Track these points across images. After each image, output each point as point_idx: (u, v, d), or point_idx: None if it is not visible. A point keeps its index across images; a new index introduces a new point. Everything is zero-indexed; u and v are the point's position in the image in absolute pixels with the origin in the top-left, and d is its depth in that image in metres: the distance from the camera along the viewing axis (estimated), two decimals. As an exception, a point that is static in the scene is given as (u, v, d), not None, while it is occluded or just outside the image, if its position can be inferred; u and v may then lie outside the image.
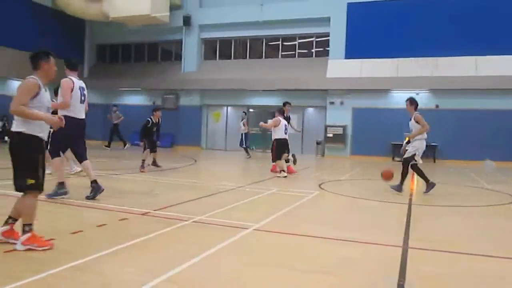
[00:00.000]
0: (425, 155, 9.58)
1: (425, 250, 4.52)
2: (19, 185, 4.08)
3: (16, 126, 4.04)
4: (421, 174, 8.75)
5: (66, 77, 6.59)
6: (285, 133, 11.57)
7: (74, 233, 4.56)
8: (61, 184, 6.64)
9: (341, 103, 20.75)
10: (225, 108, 23.74)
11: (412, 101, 8.94)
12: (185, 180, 9.82)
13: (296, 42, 22.51)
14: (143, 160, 11.30)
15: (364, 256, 4.31)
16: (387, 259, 4.21)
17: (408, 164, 8.71)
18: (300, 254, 4.26)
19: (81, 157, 6.80)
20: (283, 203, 7.23)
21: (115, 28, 24.20)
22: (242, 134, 18.43)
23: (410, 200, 8.08)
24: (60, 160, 6.83)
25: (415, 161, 8.69)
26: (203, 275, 3.50)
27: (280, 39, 22.77)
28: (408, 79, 19.03)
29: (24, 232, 3.96)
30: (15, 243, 3.96)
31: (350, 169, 15.45)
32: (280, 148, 11.34)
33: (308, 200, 7.62)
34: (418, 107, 8.99)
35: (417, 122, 8.65)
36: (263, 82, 21.45)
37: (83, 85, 6.79)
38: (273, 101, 22.22)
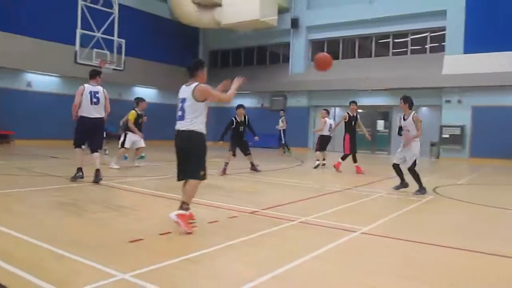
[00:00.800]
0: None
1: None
2: (194, 176, 4.80)
3: (196, 125, 4.75)
4: (400, 173, 8.45)
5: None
6: (329, 131, 12.98)
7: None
8: (79, 169, 8.13)
9: (459, 101, 19.26)
10: (333, 108, 23.47)
11: (405, 100, 8.26)
12: (292, 181, 9.91)
13: (409, 39, 21.44)
14: (226, 163, 10.60)
15: (484, 268, 3.96)
16: (511, 272, 3.82)
17: (414, 170, 8.23)
18: (410, 262, 4.05)
19: (93, 148, 8.25)
20: (393, 206, 6.94)
21: (226, 34, 25.30)
22: (280, 131, 19.47)
23: (542, 208, 7.22)
24: (80, 151, 8.21)
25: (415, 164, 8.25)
26: (308, 276, 3.51)
27: (391, 36, 21.88)
28: (539, 73, 17.01)
29: (181, 208, 4.66)
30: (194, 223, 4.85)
31: (469, 172, 14.28)
32: (323, 143, 13.01)
33: (421, 205, 7.21)
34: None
35: (414, 122, 8.10)
36: (372, 81, 20.79)
37: (97, 90, 8.14)
38: (383, 100, 21.45)
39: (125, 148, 11.23)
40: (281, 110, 21.06)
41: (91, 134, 8.16)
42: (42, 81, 19.82)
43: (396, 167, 8.49)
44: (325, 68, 7.48)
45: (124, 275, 3.24)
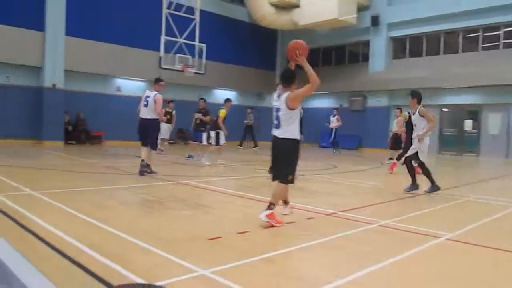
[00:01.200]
0: None
1: None
2: (282, 180, 5.12)
3: (292, 133, 5.06)
4: (428, 173, 7.97)
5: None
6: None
7: (265, 228, 4.91)
8: (148, 166, 9.24)
9: (561, 98, 17.51)
10: (415, 108, 22.43)
11: (413, 95, 8.10)
12: (371, 183, 9.62)
13: (501, 32, 19.85)
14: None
15: None
16: None
17: (410, 162, 8.10)
18: (502, 273, 3.75)
19: (148, 144, 9.29)
20: (482, 212, 6.48)
21: (304, 34, 25.11)
22: (332, 130, 18.78)
23: None
24: (145, 150, 9.24)
25: (419, 160, 7.88)
26: (387, 282, 3.38)
27: (481, 30, 20.41)
28: None
29: (268, 208, 5.02)
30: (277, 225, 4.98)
31: None
32: (398, 141, 13.31)
33: (515, 211, 6.65)
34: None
35: (422, 116, 7.94)
36: (459, 78, 19.56)
37: (149, 94, 9.20)
38: (471, 99, 20.10)
39: (220, 145, 12.08)
40: (335, 108, 20.36)
41: (145, 132, 9.34)
42: (129, 86, 21.13)
43: (423, 167, 8.09)
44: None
45: (204, 271, 3.35)
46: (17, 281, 1.08)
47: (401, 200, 7.43)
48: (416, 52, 22.74)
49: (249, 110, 21.18)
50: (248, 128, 20.58)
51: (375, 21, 22.76)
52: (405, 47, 23.18)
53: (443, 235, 4.81)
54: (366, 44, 23.86)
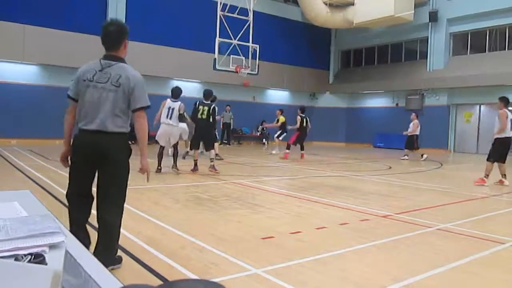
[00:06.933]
0: None
1: None
2: None
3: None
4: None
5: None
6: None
7: (318, 228, 4.89)
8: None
9: None
10: (477, 106, 21.37)
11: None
12: (429, 185, 9.29)
13: None
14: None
15: None
16: None
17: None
18: None
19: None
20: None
21: (358, 33, 24.73)
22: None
23: None
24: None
25: None
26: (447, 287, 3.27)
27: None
28: None
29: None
30: None
31: None
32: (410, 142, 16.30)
33: None
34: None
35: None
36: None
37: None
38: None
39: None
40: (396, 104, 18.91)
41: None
42: (185, 87, 21.61)
43: None
44: None
45: (257, 270, 3.39)
46: (84, 273, 1.15)
47: (462, 203, 7.11)
48: (478, 48, 21.65)
49: (228, 108, 20.59)
50: (226, 126, 19.97)
51: (433, 16, 21.90)
52: (467, 43, 22.12)
53: (507, 241, 4.57)
54: (424, 41, 23.03)
